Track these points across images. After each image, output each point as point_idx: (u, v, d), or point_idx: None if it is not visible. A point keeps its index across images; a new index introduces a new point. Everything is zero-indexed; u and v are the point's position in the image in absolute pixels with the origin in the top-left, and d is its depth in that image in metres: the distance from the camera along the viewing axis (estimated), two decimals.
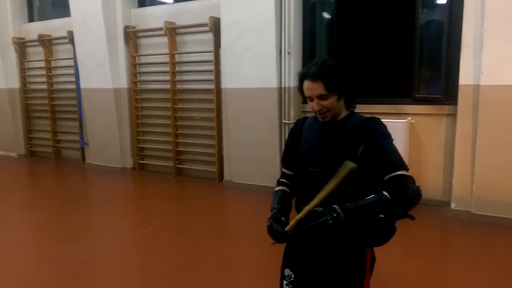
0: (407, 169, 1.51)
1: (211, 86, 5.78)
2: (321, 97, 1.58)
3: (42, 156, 8.00)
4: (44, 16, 7.77)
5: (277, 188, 1.82)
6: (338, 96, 1.59)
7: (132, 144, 6.70)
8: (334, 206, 1.45)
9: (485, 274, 3.06)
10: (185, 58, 6.12)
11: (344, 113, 1.66)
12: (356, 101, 1.71)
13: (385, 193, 1.45)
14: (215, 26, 5.51)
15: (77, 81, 6.94)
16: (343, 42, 5.46)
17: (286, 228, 1.56)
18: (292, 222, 1.55)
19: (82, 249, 3.64)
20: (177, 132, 6.31)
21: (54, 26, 7.28)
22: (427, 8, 4.58)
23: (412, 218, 1.51)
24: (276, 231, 1.61)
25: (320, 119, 1.66)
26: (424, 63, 4.64)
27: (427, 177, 4.57)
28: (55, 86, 7.62)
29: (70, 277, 3.15)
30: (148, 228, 4.17)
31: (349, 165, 1.47)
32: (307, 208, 1.49)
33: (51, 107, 7.57)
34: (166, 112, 6.33)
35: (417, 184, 1.48)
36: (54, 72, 7.59)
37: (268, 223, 1.65)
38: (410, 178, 1.48)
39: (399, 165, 1.50)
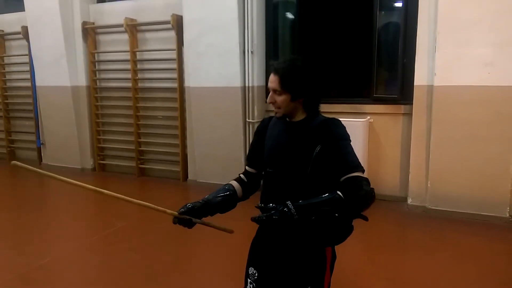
0: (363, 171, 1.55)
1: (174, 85, 5.71)
2: (275, 91, 1.61)
3: None
4: None
5: (228, 185, 1.81)
6: (291, 96, 1.60)
7: (92, 144, 6.50)
8: (287, 202, 1.48)
9: (439, 265, 3.22)
10: (147, 56, 6.00)
11: (301, 116, 1.66)
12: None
13: (338, 192, 1.48)
14: (177, 24, 5.44)
15: (32, 79, 6.65)
16: (305, 42, 5.57)
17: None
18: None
19: (38, 253, 3.51)
20: (140, 131, 6.19)
21: (6, 21, 6.92)
22: (385, 11, 4.75)
23: (365, 219, 1.55)
24: (183, 219, 1.64)
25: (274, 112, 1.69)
26: (382, 64, 4.82)
27: (385, 174, 4.75)
28: (8, 84, 7.27)
29: (26, 282, 3.03)
30: (109, 230, 4.08)
31: None
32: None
33: (4, 105, 7.21)
34: (127, 111, 6.18)
35: (375, 182, 1.53)
36: (7, 69, 7.23)
37: (190, 206, 1.67)
38: (365, 180, 1.51)
39: (355, 167, 1.53)
